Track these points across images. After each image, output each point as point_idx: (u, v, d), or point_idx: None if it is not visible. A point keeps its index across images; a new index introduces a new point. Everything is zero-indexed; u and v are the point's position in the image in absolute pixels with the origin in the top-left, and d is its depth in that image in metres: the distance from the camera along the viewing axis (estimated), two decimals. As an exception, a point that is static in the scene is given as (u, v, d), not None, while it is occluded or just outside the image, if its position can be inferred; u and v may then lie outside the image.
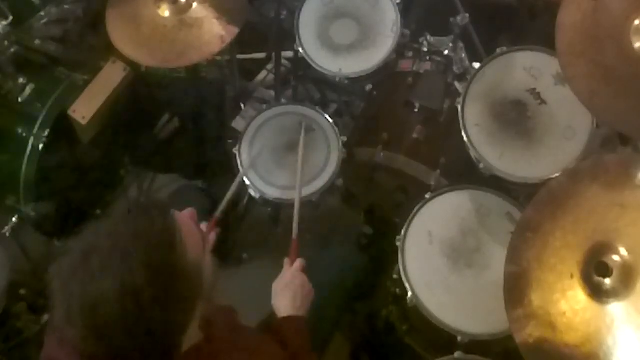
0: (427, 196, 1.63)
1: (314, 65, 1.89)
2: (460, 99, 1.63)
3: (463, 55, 1.89)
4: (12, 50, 1.90)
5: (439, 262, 1.55)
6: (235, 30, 1.72)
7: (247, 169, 1.77)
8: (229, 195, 1.52)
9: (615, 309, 1.07)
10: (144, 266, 0.87)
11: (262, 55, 2.60)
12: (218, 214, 1.43)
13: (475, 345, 1.44)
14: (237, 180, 1.63)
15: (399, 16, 1.87)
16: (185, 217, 1.01)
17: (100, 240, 0.90)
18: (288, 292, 1.36)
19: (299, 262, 1.43)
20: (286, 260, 1.45)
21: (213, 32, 1.72)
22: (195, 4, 1.75)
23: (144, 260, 0.87)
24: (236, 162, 1.80)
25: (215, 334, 1.04)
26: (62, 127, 1.93)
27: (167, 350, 0.93)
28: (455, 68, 1.86)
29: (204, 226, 1.47)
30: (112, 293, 0.85)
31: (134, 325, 0.87)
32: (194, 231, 1.00)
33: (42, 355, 1.06)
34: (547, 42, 1.47)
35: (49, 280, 0.90)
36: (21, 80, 1.93)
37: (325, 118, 1.87)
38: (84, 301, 0.86)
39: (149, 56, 1.72)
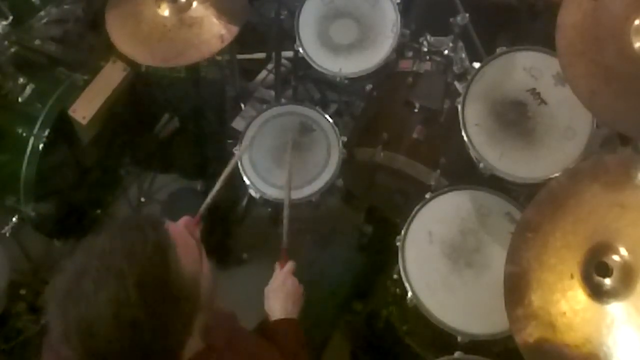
0: (427, 196, 1.63)
1: (314, 65, 1.89)
2: (460, 99, 1.63)
3: (463, 55, 1.89)
4: (12, 50, 1.89)
5: (439, 262, 1.55)
6: (235, 30, 1.72)
7: (244, 150, 1.74)
8: (220, 182, 1.46)
9: (615, 309, 1.07)
10: (137, 286, 0.86)
11: (262, 55, 2.60)
12: (203, 209, 1.39)
13: (475, 345, 1.44)
14: (232, 163, 1.58)
15: (399, 16, 1.87)
16: (179, 227, 1.00)
17: (93, 260, 0.88)
18: (279, 295, 1.37)
19: (289, 265, 1.43)
20: (277, 265, 1.46)
21: (213, 31, 1.72)
22: (195, 3, 1.75)
23: (137, 279, 0.86)
24: (236, 162, 1.80)
25: (215, 341, 1.04)
26: (62, 127, 1.93)
27: None
28: (455, 68, 1.86)
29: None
30: (107, 314, 0.85)
31: (131, 345, 0.86)
32: (189, 242, 0.98)
33: None
34: (547, 42, 1.47)
35: (44, 300, 0.90)
36: (21, 80, 1.93)
37: (325, 118, 1.87)
38: (80, 323, 0.86)
39: (148, 55, 1.72)
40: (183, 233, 0.99)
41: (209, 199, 1.36)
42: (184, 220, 1.04)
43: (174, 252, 0.91)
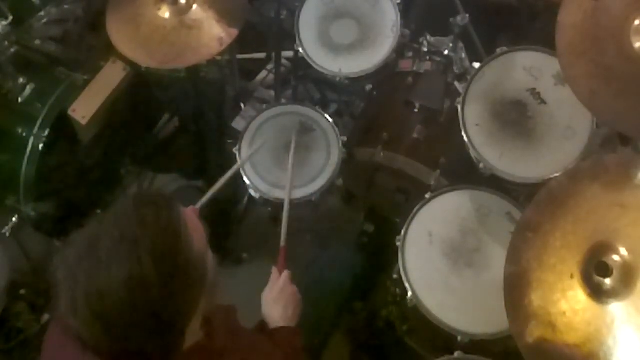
0: (427, 196, 1.63)
1: (314, 65, 1.89)
2: (460, 99, 1.63)
3: (463, 55, 1.90)
4: (12, 50, 1.90)
5: (439, 262, 1.55)
6: (234, 33, 1.72)
7: (245, 161, 1.75)
8: (218, 185, 1.47)
9: (615, 309, 1.07)
10: (151, 254, 0.86)
11: (262, 55, 2.60)
12: (199, 205, 1.39)
13: (475, 345, 1.44)
14: (230, 172, 1.59)
15: (399, 16, 1.87)
16: (189, 211, 1.01)
17: (108, 228, 0.89)
18: (279, 304, 1.36)
19: (286, 274, 1.42)
20: (274, 269, 1.44)
21: (212, 34, 1.72)
22: (195, 6, 1.76)
23: (151, 248, 0.87)
24: (236, 162, 1.80)
25: (215, 333, 1.05)
26: (62, 127, 1.93)
27: (171, 343, 0.92)
28: (455, 68, 1.86)
29: None
30: (120, 281, 0.85)
31: (141, 314, 0.86)
32: (199, 225, 1.00)
33: (44, 344, 1.06)
34: (547, 42, 1.47)
35: (53, 269, 0.90)
36: (21, 80, 1.93)
37: (325, 118, 1.87)
38: (91, 289, 0.86)
39: (147, 57, 1.72)
40: (192, 215, 1.00)
41: (209, 195, 1.37)
42: (190, 208, 1.05)
43: (185, 227, 0.92)
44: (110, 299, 0.85)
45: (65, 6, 2.08)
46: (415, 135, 1.78)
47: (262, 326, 1.36)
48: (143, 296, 0.86)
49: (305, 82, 2.46)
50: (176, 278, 0.89)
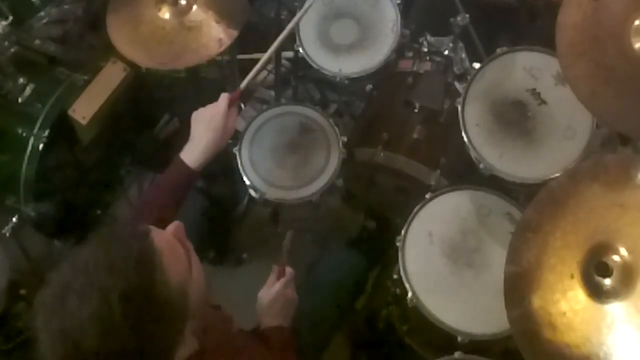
0: (427, 196, 1.63)
1: (314, 65, 1.89)
2: (460, 99, 1.63)
3: (463, 55, 1.89)
4: (12, 50, 1.90)
5: (439, 262, 1.55)
6: (234, 34, 1.72)
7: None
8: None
9: (615, 309, 1.07)
10: (122, 301, 0.85)
11: (262, 55, 2.60)
12: (243, 86, 1.38)
13: (475, 345, 1.44)
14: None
15: (399, 16, 1.87)
16: (167, 236, 0.98)
17: (76, 276, 0.87)
18: (274, 307, 1.36)
19: (288, 277, 1.40)
20: (274, 268, 1.43)
21: (212, 35, 1.72)
22: (195, 7, 1.76)
23: (121, 295, 0.85)
24: (236, 162, 1.80)
25: (210, 344, 1.03)
26: (62, 127, 1.93)
27: None
28: (455, 68, 1.86)
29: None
30: (93, 330, 0.84)
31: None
32: (177, 251, 0.97)
33: None
34: (547, 42, 1.47)
35: (33, 315, 0.89)
36: (21, 80, 1.93)
37: (326, 118, 1.87)
38: (66, 339, 0.85)
39: (146, 57, 1.72)
40: (170, 241, 0.97)
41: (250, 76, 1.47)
42: (172, 226, 1.02)
43: (159, 265, 0.90)
44: (85, 348, 0.84)
45: (65, 6, 2.08)
46: (415, 135, 1.78)
47: (257, 331, 1.36)
48: (118, 343, 0.85)
49: (305, 82, 2.46)
50: (151, 321, 0.88)
